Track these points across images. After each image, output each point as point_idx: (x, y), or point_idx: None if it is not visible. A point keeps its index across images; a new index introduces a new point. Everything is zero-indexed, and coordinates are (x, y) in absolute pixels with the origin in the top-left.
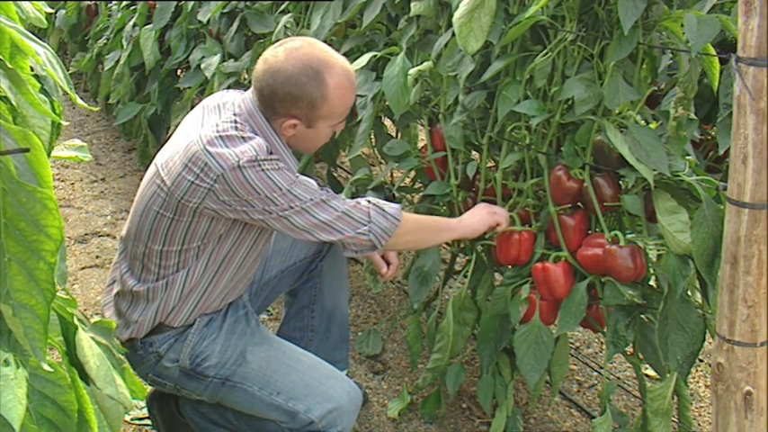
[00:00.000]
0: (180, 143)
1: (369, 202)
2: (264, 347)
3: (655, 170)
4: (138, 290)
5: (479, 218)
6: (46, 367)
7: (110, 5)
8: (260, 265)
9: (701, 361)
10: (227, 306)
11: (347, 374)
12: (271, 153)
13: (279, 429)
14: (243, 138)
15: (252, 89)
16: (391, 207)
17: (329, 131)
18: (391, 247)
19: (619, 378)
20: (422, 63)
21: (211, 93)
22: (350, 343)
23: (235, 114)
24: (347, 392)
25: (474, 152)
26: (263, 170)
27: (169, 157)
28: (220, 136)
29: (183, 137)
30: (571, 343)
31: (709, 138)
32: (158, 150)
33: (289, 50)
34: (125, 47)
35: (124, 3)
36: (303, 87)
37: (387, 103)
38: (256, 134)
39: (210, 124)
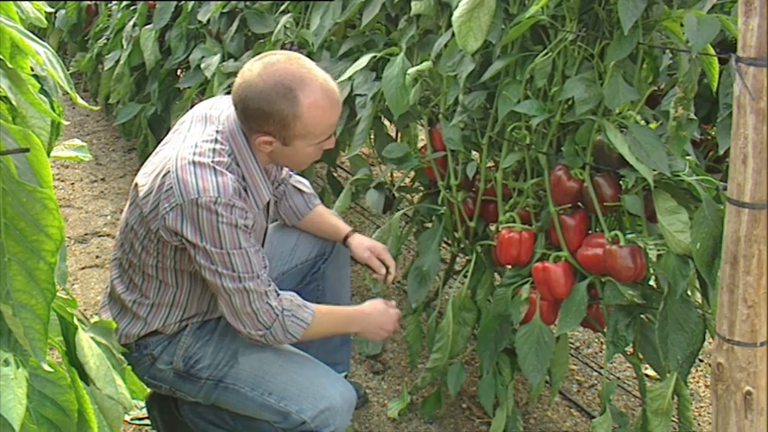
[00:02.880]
0: (162, 156)
1: (283, 309)
2: (256, 348)
3: (655, 170)
4: (125, 299)
5: (381, 322)
6: (46, 367)
7: (110, 5)
8: None
9: (700, 361)
10: None
11: (347, 376)
12: (240, 196)
13: (272, 429)
14: (215, 169)
15: None
16: (296, 323)
17: (312, 150)
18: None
19: (619, 378)
20: (421, 63)
21: (212, 93)
22: (350, 344)
23: (217, 132)
24: (340, 392)
25: (474, 152)
26: (217, 218)
27: (149, 170)
28: (194, 161)
29: (167, 149)
30: (571, 343)
31: (709, 138)
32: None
33: (265, 65)
34: (125, 47)
35: (124, 3)
36: (273, 104)
37: (386, 103)
38: (235, 158)
39: (191, 142)
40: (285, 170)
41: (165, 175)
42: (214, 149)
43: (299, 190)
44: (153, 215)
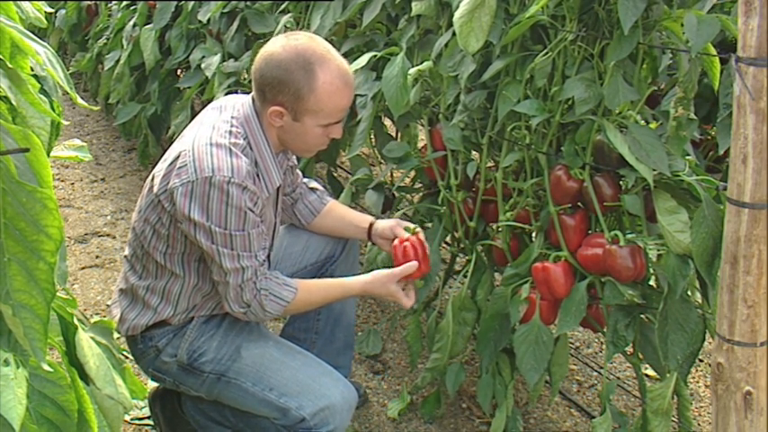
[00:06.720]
0: (180, 143)
1: (261, 289)
2: (260, 344)
3: (655, 170)
4: (138, 287)
5: (381, 285)
6: (46, 367)
7: (110, 5)
8: (271, 267)
9: (700, 361)
10: None
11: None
12: (253, 180)
13: (272, 426)
14: (230, 150)
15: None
16: (275, 301)
17: (319, 132)
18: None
19: (619, 378)
20: (422, 63)
21: (212, 93)
22: (353, 348)
23: (233, 117)
24: (341, 392)
25: (474, 152)
26: (227, 198)
27: (165, 157)
28: (211, 142)
29: (184, 139)
30: (571, 343)
31: (709, 138)
32: (160, 151)
33: (288, 39)
34: (125, 47)
35: (124, 3)
36: (291, 74)
37: (386, 103)
38: (249, 142)
39: (208, 124)
40: (299, 176)
41: (180, 154)
42: (230, 132)
43: (312, 188)
44: (166, 196)
